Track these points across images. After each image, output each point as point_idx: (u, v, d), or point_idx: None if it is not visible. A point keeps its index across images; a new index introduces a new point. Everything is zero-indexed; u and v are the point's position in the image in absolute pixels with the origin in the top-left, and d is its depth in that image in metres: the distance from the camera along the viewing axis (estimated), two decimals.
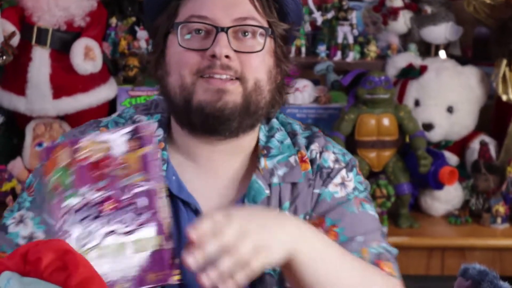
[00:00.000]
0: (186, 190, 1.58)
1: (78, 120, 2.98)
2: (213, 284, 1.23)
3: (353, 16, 3.23)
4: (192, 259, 1.24)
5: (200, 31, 1.53)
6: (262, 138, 1.64)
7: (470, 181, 3.01)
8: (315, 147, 1.65)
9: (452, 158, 3.12)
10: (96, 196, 1.18)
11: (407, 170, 2.95)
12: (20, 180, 2.91)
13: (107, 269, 1.18)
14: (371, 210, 1.64)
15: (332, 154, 1.65)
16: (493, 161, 3.02)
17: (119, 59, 3.18)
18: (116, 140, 1.18)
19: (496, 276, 1.22)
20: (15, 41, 2.86)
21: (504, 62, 3.03)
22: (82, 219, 1.18)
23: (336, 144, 1.70)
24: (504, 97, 3.04)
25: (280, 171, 1.61)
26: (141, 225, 1.19)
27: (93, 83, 2.98)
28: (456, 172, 2.90)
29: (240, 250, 1.27)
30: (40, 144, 2.95)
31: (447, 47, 3.29)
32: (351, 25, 3.24)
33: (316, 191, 1.62)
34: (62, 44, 2.90)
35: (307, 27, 3.29)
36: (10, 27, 2.85)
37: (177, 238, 1.53)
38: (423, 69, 3.08)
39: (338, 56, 3.24)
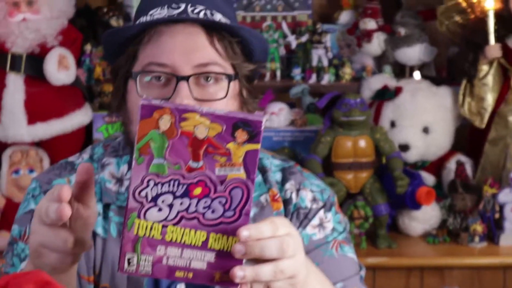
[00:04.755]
0: None
1: (54, 147, 2.96)
2: (243, 280, 1.14)
3: (327, 39, 3.25)
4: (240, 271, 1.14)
5: (160, 78, 1.46)
6: None
7: (447, 201, 3.02)
8: (290, 185, 1.58)
9: (429, 178, 3.14)
10: (188, 175, 1.13)
11: (384, 191, 2.96)
12: None
13: (175, 252, 1.14)
14: (350, 252, 1.57)
15: (309, 193, 1.58)
16: (469, 180, 3.04)
17: (94, 85, 3.17)
18: (225, 125, 1.12)
19: None
20: None
21: (464, 81, 3.07)
22: (165, 193, 1.13)
23: (314, 178, 1.63)
24: (461, 111, 3.06)
25: (251, 213, 1.53)
26: (227, 221, 1.15)
27: (67, 108, 2.97)
28: (433, 192, 2.91)
29: (283, 263, 1.17)
30: (16, 172, 2.93)
31: (421, 68, 3.31)
32: (325, 48, 3.25)
33: None
34: (36, 69, 2.89)
35: (282, 51, 3.30)
36: None
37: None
38: (398, 91, 3.10)
39: (313, 79, 3.25)
